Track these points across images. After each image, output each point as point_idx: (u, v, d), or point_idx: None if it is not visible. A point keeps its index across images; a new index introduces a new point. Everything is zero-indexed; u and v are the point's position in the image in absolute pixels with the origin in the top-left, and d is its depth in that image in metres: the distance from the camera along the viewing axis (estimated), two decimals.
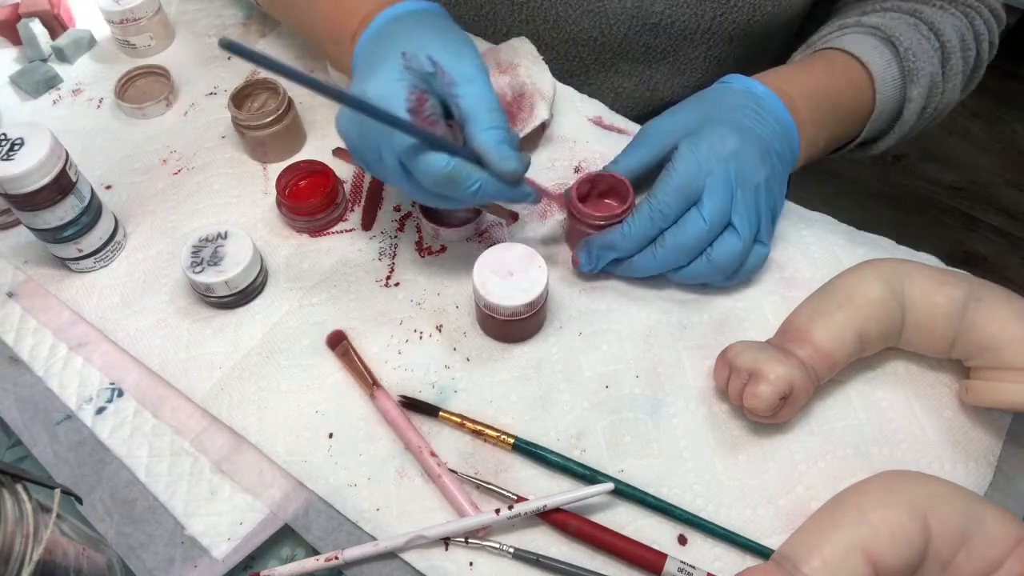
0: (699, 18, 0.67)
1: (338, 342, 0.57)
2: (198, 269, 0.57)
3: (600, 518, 0.50)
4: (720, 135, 0.54)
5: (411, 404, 0.54)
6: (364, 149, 0.51)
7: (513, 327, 0.55)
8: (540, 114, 0.64)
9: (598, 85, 0.76)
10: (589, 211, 0.57)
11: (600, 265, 0.57)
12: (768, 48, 0.74)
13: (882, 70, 0.60)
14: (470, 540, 0.49)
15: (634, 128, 0.68)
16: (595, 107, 0.69)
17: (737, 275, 0.56)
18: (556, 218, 0.63)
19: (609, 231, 0.56)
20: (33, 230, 0.58)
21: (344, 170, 0.67)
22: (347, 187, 0.66)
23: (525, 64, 0.64)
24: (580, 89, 0.71)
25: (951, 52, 0.62)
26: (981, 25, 0.64)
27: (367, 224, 0.64)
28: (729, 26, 0.68)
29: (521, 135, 0.64)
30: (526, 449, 0.52)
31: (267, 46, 0.76)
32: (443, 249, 0.62)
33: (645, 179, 0.58)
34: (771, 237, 0.58)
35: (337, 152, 0.67)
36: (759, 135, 0.55)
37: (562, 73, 0.77)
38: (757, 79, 0.59)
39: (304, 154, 0.68)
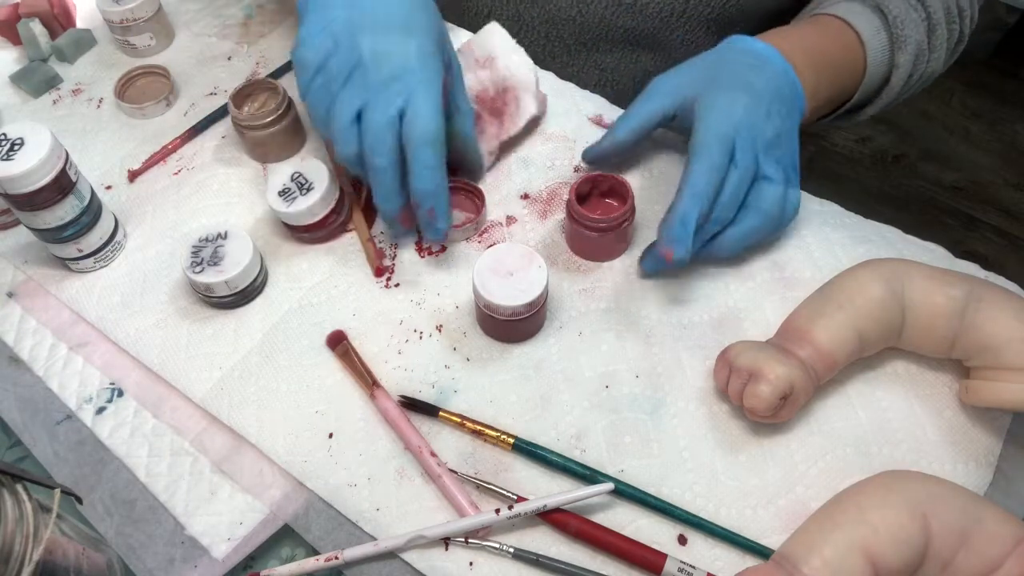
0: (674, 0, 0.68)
1: (338, 342, 0.57)
2: (198, 269, 0.57)
3: (600, 518, 0.50)
4: (731, 97, 0.54)
5: (411, 404, 0.54)
6: (338, 70, 0.53)
7: (513, 327, 0.55)
8: (528, 109, 0.64)
9: (580, 66, 0.77)
10: (587, 212, 0.57)
11: (689, 247, 0.52)
12: (752, 35, 0.75)
13: (871, 35, 0.62)
14: (470, 540, 0.49)
15: None
16: (595, 105, 0.69)
17: (784, 220, 0.57)
18: (556, 218, 0.63)
19: (673, 211, 0.53)
20: (33, 230, 0.58)
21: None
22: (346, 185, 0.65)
23: (502, 56, 0.64)
24: (563, 71, 0.72)
25: (937, 23, 0.63)
26: (965, 4, 0.66)
27: (367, 224, 0.64)
28: (704, 9, 0.69)
29: (513, 133, 0.64)
30: (526, 449, 0.52)
31: (268, 45, 0.76)
32: (443, 249, 0.62)
33: (641, 145, 0.60)
34: (798, 181, 0.58)
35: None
36: (762, 88, 0.55)
37: (544, 54, 0.77)
38: (756, 38, 0.60)
39: (304, 154, 0.68)
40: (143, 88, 0.73)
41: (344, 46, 0.53)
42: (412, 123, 0.52)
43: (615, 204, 0.60)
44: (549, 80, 0.71)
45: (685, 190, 0.53)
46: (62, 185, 0.55)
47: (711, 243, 0.56)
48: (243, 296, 0.59)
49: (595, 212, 0.58)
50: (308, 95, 0.55)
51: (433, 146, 0.52)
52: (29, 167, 0.53)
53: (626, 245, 0.60)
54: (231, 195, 0.66)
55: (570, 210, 0.58)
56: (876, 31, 0.62)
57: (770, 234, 0.58)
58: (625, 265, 0.60)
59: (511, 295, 0.52)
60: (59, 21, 0.77)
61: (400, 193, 0.55)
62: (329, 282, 0.61)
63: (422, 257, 0.62)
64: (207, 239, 0.58)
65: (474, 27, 0.76)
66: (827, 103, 0.63)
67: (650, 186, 0.64)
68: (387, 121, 0.52)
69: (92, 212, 0.59)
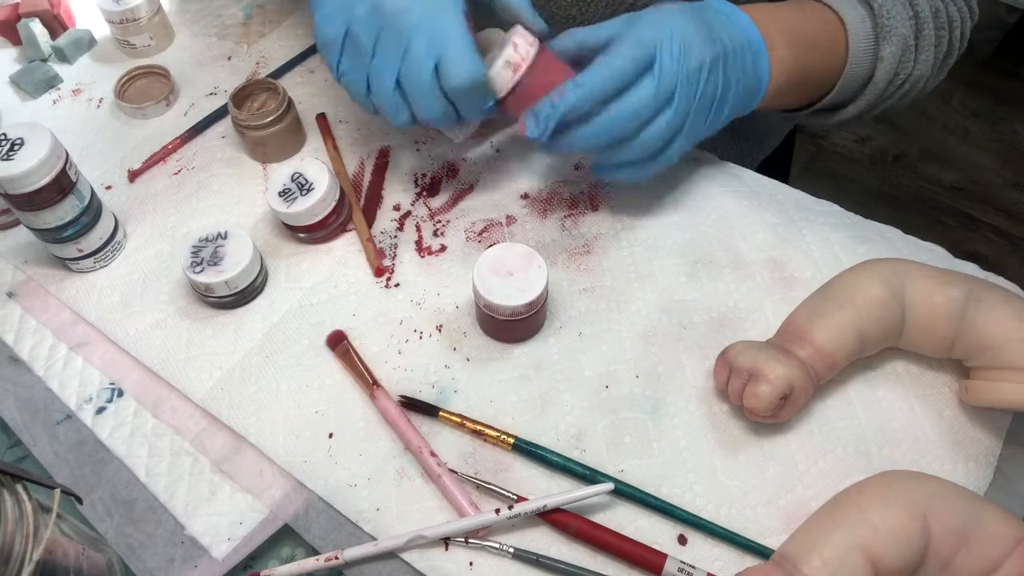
0: None
1: (338, 342, 0.57)
2: (198, 269, 0.57)
3: (600, 518, 0.50)
4: (667, 10, 0.55)
5: (411, 404, 0.54)
6: (364, 43, 0.53)
7: (513, 327, 0.55)
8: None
9: None
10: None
11: (548, 128, 0.54)
12: None
13: (856, 22, 0.61)
14: (470, 540, 0.49)
15: None
16: None
17: (656, 161, 0.56)
18: (556, 217, 0.63)
19: (559, 87, 0.54)
20: (33, 230, 0.58)
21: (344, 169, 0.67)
22: (346, 187, 0.65)
23: (497, 47, 0.60)
24: None
25: (924, 22, 0.62)
26: (955, 12, 0.65)
27: (367, 224, 0.64)
28: None
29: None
30: (526, 449, 0.52)
31: (268, 45, 0.76)
32: (443, 249, 0.62)
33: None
34: (699, 135, 0.57)
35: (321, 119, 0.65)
36: (712, 24, 0.55)
37: None
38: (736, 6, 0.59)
39: (304, 154, 0.68)
40: (143, 88, 0.73)
41: (366, 9, 0.53)
42: (450, 75, 0.52)
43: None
44: None
45: (576, 79, 0.53)
46: (62, 185, 0.55)
47: (565, 137, 0.55)
48: (243, 296, 0.59)
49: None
50: (343, 76, 0.55)
51: (475, 90, 0.54)
52: (29, 167, 0.53)
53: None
54: (231, 195, 0.66)
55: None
56: (861, 19, 0.61)
57: (639, 164, 0.56)
58: (626, 264, 0.60)
59: (511, 295, 0.52)
60: (59, 21, 0.77)
61: (458, 121, 0.57)
62: (329, 282, 0.61)
63: (422, 257, 0.62)
64: (207, 239, 0.58)
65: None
66: (801, 85, 0.61)
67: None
68: (428, 82, 0.53)
69: (92, 212, 0.59)
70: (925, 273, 0.51)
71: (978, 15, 0.67)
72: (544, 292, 0.53)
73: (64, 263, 0.62)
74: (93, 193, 0.59)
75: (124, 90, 0.72)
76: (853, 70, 0.61)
